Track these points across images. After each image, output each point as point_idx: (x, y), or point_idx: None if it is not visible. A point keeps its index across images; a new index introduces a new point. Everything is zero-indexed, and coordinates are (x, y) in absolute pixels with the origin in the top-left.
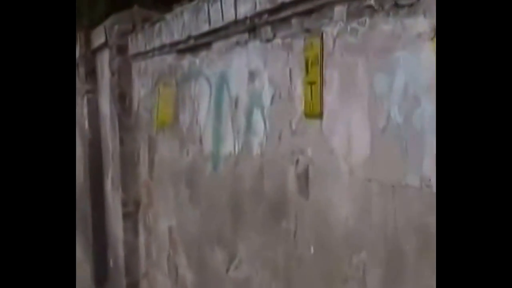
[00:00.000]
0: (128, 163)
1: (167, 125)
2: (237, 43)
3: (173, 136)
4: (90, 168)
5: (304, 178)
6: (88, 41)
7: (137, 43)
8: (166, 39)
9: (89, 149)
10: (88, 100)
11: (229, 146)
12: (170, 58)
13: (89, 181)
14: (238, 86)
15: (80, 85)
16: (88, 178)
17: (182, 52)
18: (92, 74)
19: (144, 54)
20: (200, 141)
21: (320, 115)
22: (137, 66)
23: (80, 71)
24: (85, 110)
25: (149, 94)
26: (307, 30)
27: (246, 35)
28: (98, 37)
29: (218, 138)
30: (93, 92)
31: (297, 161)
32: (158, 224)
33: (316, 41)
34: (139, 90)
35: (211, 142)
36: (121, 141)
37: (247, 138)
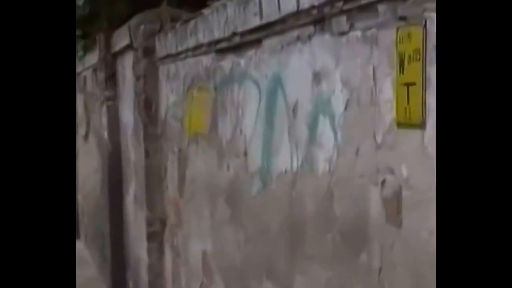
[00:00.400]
0: (153, 178)
1: (202, 135)
2: (298, 38)
3: (209, 148)
4: (109, 182)
5: (394, 203)
6: (108, 43)
7: (166, 44)
8: (203, 38)
9: (108, 161)
10: (108, 108)
11: (284, 161)
12: (207, 59)
13: (108, 196)
14: (297, 89)
15: (99, 92)
16: (107, 193)
17: (222, 51)
18: (112, 79)
19: (174, 56)
20: (245, 154)
21: (421, 124)
22: (166, 69)
23: (99, 76)
24: (104, 119)
25: (179, 100)
26: (402, 18)
27: (310, 28)
28: (121, 39)
29: (269, 151)
30: (113, 99)
31: (384, 182)
32: (188, 247)
33: (417, 31)
34: (167, 96)
35: (259, 156)
36: (146, 153)
37: (310, 152)
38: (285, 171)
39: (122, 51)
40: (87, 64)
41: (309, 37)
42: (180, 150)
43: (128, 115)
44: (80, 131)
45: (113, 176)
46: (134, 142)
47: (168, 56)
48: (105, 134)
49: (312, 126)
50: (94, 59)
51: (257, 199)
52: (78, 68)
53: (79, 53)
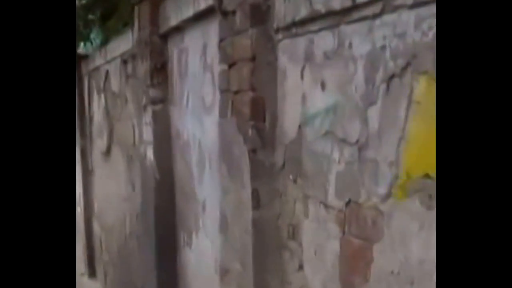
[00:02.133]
0: (266, 246)
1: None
2: None
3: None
4: (156, 226)
5: None
6: (154, 19)
7: (297, 2)
8: None
9: (155, 195)
10: (154, 115)
11: None
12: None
13: (154, 245)
14: None
15: (138, 89)
16: (151, 241)
17: None
18: (161, 72)
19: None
20: None
21: None
22: (299, 46)
23: (139, 69)
24: (147, 131)
25: (341, 103)
26: None
27: None
28: (180, 9)
29: None
30: (163, 101)
31: None
32: None
33: None
34: (305, 95)
35: None
36: (255, 200)
37: None
38: None
39: (180, 28)
40: (111, 53)
41: None
42: (350, 204)
43: (194, 126)
44: (98, 143)
45: (161, 219)
46: (222, 177)
47: (303, 23)
48: (149, 154)
49: None
50: (125, 45)
51: None
52: (96, 61)
53: (96, 40)
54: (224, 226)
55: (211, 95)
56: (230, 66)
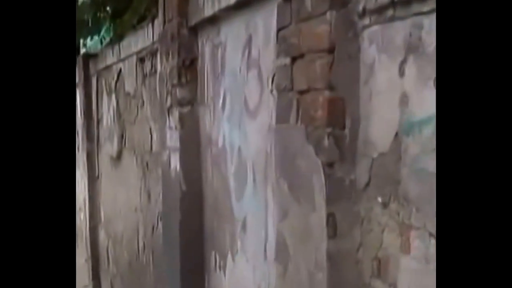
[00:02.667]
0: (346, 281)
1: None
2: None
3: None
4: (181, 243)
5: None
6: (183, 9)
7: None
8: None
9: (181, 209)
10: (181, 118)
11: None
12: None
13: (180, 273)
14: None
15: (159, 90)
16: (175, 258)
17: None
18: (190, 70)
19: None
20: None
21: None
22: (404, 31)
23: (164, 66)
24: (174, 136)
25: None
26: None
27: None
28: None
29: None
30: (192, 102)
31: None
32: None
33: None
34: (416, 93)
35: None
36: (332, 227)
37: None
38: None
39: (215, 20)
40: (125, 51)
41: None
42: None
43: (232, 132)
44: (107, 148)
45: (187, 235)
46: (280, 195)
47: (405, 2)
48: (173, 162)
49: None
50: (142, 42)
51: None
52: (107, 60)
53: (106, 37)
54: (282, 255)
55: (257, 96)
56: (294, 59)
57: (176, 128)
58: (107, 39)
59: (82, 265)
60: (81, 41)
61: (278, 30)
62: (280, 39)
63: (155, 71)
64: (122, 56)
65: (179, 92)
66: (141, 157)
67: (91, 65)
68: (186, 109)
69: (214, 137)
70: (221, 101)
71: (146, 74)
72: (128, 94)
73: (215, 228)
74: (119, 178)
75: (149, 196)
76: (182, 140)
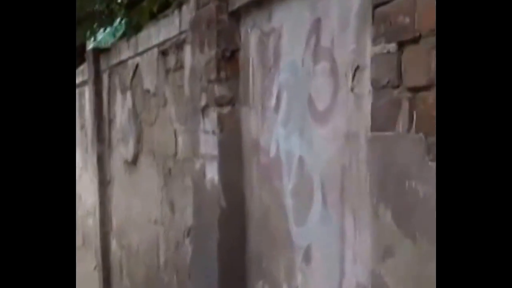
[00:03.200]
0: None
1: None
2: None
3: None
4: (220, 268)
5: None
6: None
7: None
8: None
9: (220, 230)
10: (221, 120)
11: None
12: None
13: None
14: None
15: (193, 86)
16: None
17: None
18: (230, 62)
19: None
20: None
21: None
22: None
23: (196, 58)
24: (210, 141)
25: None
26: None
27: None
28: None
29: None
30: (233, 101)
31: None
32: None
33: None
34: None
35: None
36: None
37: None
38: None
39: (265, 2)
40: (144, 44)
41: None
42: None
43: (289, 139)
44: (121, 151)
45: (226, 259)
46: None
47: None
48: (210, 173)
49: None
50: (166, 33)
51: None
52: (121, 54)
53: (119, 30)
54: None
55: (328, 95)
56: (403, 45)
57: (213, 132)
58: (121, 31)
59: (90, 273)
60: (89, 34)
61: (375, 6)
62: (378, 18)
63: (181, 66)
64: (140, 49)
65: (217, 90)
66: (162, 163)
67: (102, 61)
68: (226, 110)
69: (264, 144)
70: (273, 100)
71: (170, 69)
72: (147, 91)
73: (264, 254)
74: (134, 185)
75: (172, 207)
76: (221, 146)
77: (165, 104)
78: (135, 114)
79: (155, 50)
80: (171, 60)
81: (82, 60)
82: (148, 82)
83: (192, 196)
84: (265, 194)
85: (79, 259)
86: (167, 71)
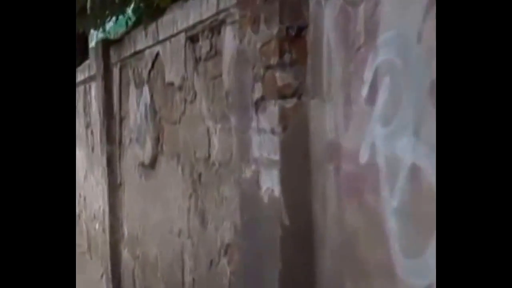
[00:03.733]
0: None
1: None
2: None
3: None
4: None
5: None
6: None
7: None
8: None
9: (282, 253)
10: (284, 116)
11: None
12: None
13: None
14: None
15: (243, 74)
16: None
17: None
18: (295, 43)
19: None
20: None
21: None
22: None
23: (247, 39)
24: (268, 143)
25: None
26: None
27: None
28: None
29: None
30: (299, 93)
31: None
32: None
33: None
34: None
35: None
36: None
37: None
38: None
39: None
40: (166, 30)
41: None
42: None
43: (393, 142)
44: (135, 152)
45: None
46: None
47: None
48: (267, 182)
49: None
50: (196, 14)
51: None
52: (137, 44)
53: (132, 17)
54: None
55: None
56: None
57: (273, 131)
58: (134, 19)
59: (97, 281)
60: (99, 24)
61: None
62: None
63: (217, 53)
64: (161, 37)
65: (280, 78)
66: (189, 167)
67: (112, 53)
68: (290, 103)
69: (348, 147)
70: (365, 90)
71: (201, 57)
72: (170, 85)
73: (344, 285)
74: (151, 190)
75: (202, 219)
76: (284, 149)
77: (194, 98)
78: (153, 111)
79: (182, 37)
80: (204, 46)
81: (83, 57)
82: (172, 74)
83: (233, 209)
84: (350, 213)
85: (84, 265)
86: (197, 60)
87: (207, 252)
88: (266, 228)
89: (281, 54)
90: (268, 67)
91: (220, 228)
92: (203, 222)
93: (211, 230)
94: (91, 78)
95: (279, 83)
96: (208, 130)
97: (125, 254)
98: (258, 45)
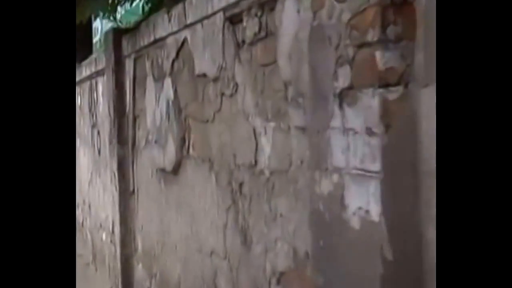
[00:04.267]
0: None
1: None
2: None
3: None
4: None
5: None
6: None
7: None
8: None
9: None
10: (386, 112)
11: None
12: None
13: None
14: None
15: (318, 56)
16: None
17: None
18: (401, 12)
19: None
20: None
21: None
22: None
23: (331, 10)
24: (358, 149)
25: None
26: None
27: None
28: None
29: None
30: (405, 80)
31: None
32: None
33: None
34: None
35: None
36: None
37: None
38: None
39: None
40: (196, 13)
41: None
42: None
43: None
44: (153, 154)
45: None
46: None
47: None
48: (357, 202)
49: None
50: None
51: None
52: (156, 32)
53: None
54: None
55: None
56: None
57: (369, 131)
58: (150, 4)
59: None
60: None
61: None
62: None
63: (267, 34)
64: (190, 20)
65: (380, 58)
66: (227, 175)
67: (125, 44)
68: (395, 94)
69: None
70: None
71: (244, 41)
72: (202, 76)
73: None
74: (173, 200)
75: (245, 238)
76: (386, 156)
77: (235, 91)
78: (177, 108)
79: (218, 17)
80: (249, 28)
81: (87, 51)
82: (204, 63)
83: (292, 230)
84: None
85: (89, 278)
86: (239, 45)
87: (251, 278)
88: (357, 263)
89: (384, 28)
90: (361, 45)
91: (271, 251)
92: (246, 241)
93: (256, 252)
94: (97, 73)
95: (380, 66)
96: (254, 130)
97: (139, 270)
98: (346, 17)
